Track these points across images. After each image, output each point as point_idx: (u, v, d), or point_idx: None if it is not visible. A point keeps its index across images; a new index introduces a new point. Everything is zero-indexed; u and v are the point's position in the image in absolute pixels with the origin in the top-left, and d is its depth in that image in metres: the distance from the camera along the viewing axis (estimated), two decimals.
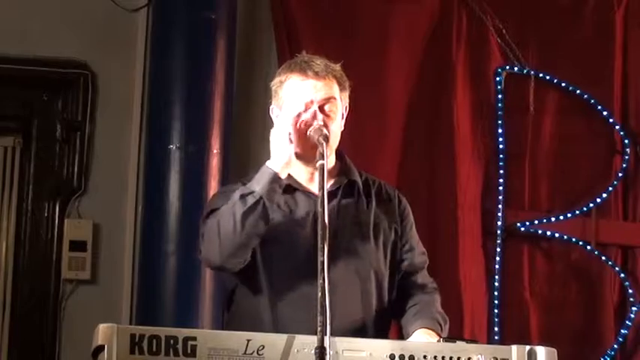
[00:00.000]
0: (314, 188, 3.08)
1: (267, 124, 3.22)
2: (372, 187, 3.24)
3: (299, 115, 3.06)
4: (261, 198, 2.94)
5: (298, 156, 3.06)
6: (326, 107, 3.09)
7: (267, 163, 3.01)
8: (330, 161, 3.13)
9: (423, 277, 3.25)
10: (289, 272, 3.04)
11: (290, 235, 3.08)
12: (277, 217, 3.05)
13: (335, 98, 3.11)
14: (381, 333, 3.05)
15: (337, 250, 2.99)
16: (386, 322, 3.17)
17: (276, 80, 3.16)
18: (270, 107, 3.19)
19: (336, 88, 3.12)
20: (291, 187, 3.11)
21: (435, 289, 3.25)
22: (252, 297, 3.09)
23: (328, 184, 3.02)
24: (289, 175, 3.07)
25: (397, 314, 3.18)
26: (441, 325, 3.08)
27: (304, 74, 3.09)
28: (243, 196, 2.96)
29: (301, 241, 3.05)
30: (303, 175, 3.15)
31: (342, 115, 3.17)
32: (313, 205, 3.05)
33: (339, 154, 3.24)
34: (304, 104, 3.07)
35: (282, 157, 2.99)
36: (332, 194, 3.10)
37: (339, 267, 3.02)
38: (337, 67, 3.15)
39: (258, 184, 2.97)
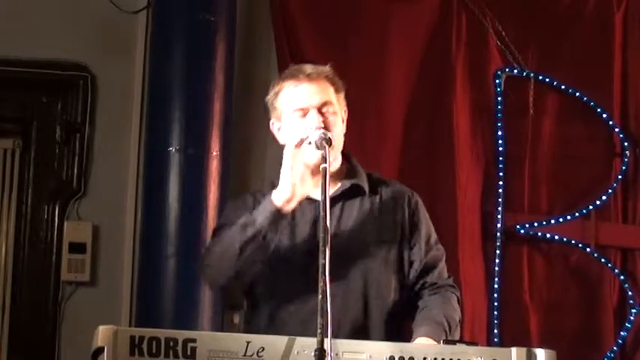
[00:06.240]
0: (318, 194, 2.98)
1: (267, 126, 3.21)
2: (380, 188, 3.18)
3: (299, 129, 3.00)
4: (262, 229, 2.91)
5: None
6: (324, 110, 3.05)
7: (273, 193, 2.94)
8: (335, 164, 3.09)
9: (434, 276, 3.16)
10: (288, 276, 3.02)
11: (291, 241, 3.05)
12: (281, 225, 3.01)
13: (331, 100, 3.07)
14: (388, 335, 2.97)
15: (339, 253, 2.96)
16: (394, 324, 3.09)
17: (271, 94, 3.12)
18: (270, 122, 3.15)
19: (330, 90, 3.08)
20: None
21: (447, 286, 3.17)
22: (256, 303, 3.11)
23: (333, 188, 3.02)
24: None
25: (411, 315, 3.11)
26: (446, 331, 3.00)
27: (297, 79, 3.06)
28: (245, 226, 2.93)
29: (300, 246, 3.03)
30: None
31: (342, 117, 3.13)
32: (315, 211, 2.99)
33: (345, 156, 3.19)
34: (302, 110, 3.04)
35: (284, 192, 2.92)
36: (336, 198, 3.07)
37: (341, 270, 2.97)
38: (327, 68, 3.11)
39: (261, 214, 2.93)
